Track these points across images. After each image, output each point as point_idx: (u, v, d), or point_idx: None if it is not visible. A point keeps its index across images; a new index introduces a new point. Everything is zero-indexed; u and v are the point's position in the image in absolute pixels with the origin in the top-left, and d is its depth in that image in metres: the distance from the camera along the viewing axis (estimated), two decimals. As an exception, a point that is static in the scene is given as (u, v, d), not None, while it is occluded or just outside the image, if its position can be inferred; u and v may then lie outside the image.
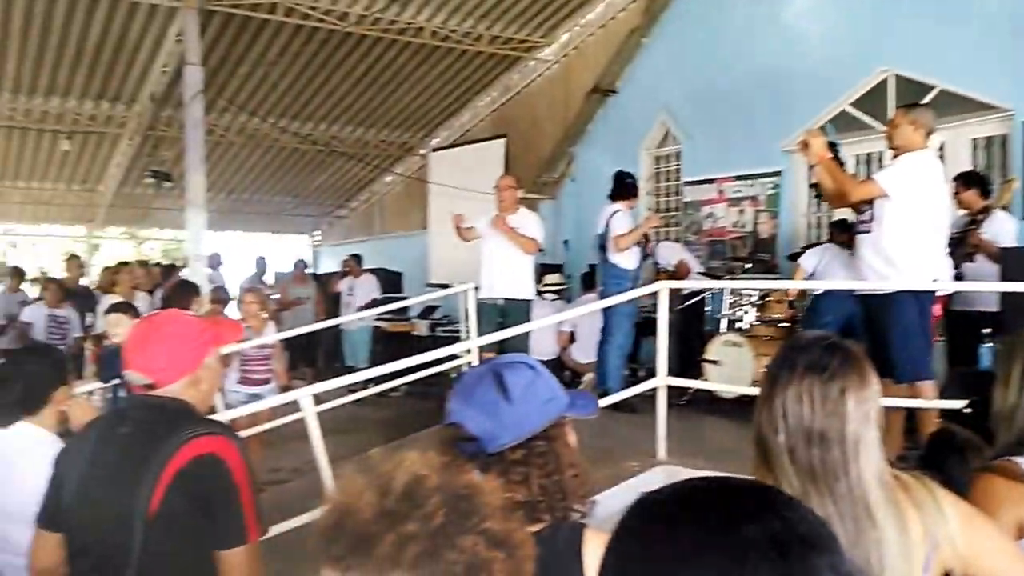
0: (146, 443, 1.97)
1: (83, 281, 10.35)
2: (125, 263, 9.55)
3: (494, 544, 0.84)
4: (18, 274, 10.56)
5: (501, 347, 6.24)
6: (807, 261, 6.52)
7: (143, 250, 23.68)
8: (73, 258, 10.32)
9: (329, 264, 15.71)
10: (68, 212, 15.82)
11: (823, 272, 6.32)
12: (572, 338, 8.02)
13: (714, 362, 6.49)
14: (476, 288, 6.59)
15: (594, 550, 1.42)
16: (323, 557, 0.82)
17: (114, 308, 5.37)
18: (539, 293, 8.31)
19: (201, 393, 2.16)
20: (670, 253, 7.89)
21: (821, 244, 6.93)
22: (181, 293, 6.00)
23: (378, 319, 10.06)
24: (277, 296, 11.28)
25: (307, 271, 12.37)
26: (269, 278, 12.32)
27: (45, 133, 11.91)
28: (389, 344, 10.23)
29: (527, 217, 6.67)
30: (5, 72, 10.18)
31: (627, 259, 6.64)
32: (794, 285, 6.58)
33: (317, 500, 0.94)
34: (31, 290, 10.38)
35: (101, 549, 1.98)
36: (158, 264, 12.26)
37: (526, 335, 6.10)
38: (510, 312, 6.43)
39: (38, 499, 2.28)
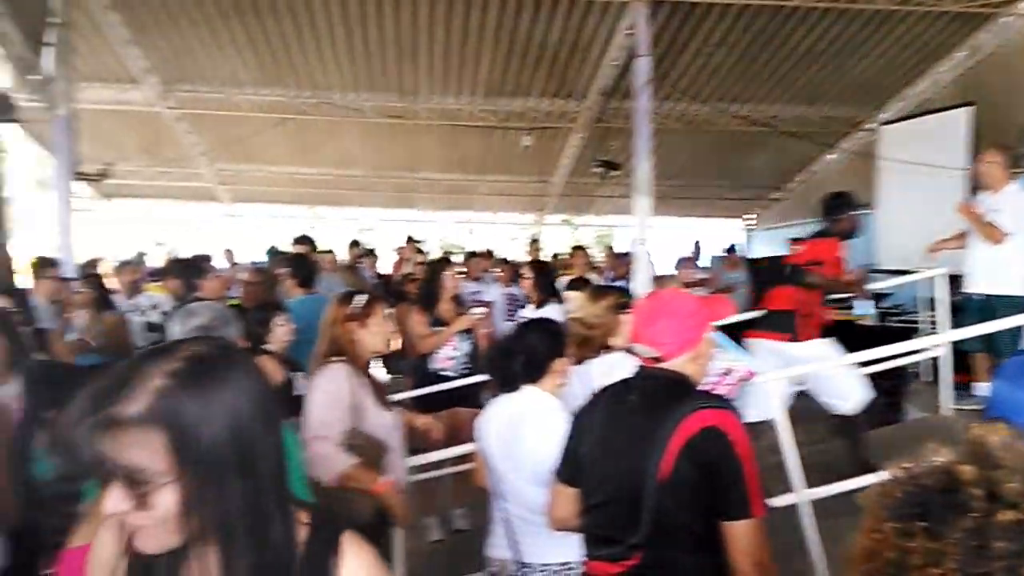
0: (654, 412, 2.08)
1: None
2: (580, 247, 10.36)
3: None
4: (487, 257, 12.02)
5: (988, 349, 5.50)
6: None
7: (577, 236, 25.50)
8: (535, 242, 11.43)
9: (762, 249, 15.38)
10: (523, 202, 17.63)
11: None
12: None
13: None
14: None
15: None
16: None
17: (572, 285, 5.83)
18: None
19: (699, 367, 2.24)
20: None
21: None
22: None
23: (820, 306, 9.57)
24: (707, 278, 11.34)
25: (739, 256, 12.21)
26: (704, 262, 12.41)
27: (509, 131, 13.36)
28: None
29: (1010, 197, 5.60)
30: (479, 78, 11.61)
31: None
32: None
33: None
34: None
35: (614, 507, 2.14)
36: (609, 248, 13.03)
37: (1016, 335, 5.26)
38: (996, 310, 5.45)
39: (544, 458, 2.56)
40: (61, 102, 8.77)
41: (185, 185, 16.18)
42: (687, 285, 8.69)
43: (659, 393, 2.15)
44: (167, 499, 1.03)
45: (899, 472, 0.87)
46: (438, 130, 13.44)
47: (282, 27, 10.15)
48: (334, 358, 3.11)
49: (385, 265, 10.98)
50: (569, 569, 2.68)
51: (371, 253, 10.41)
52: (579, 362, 3.32)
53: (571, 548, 2.63)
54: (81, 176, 9.88)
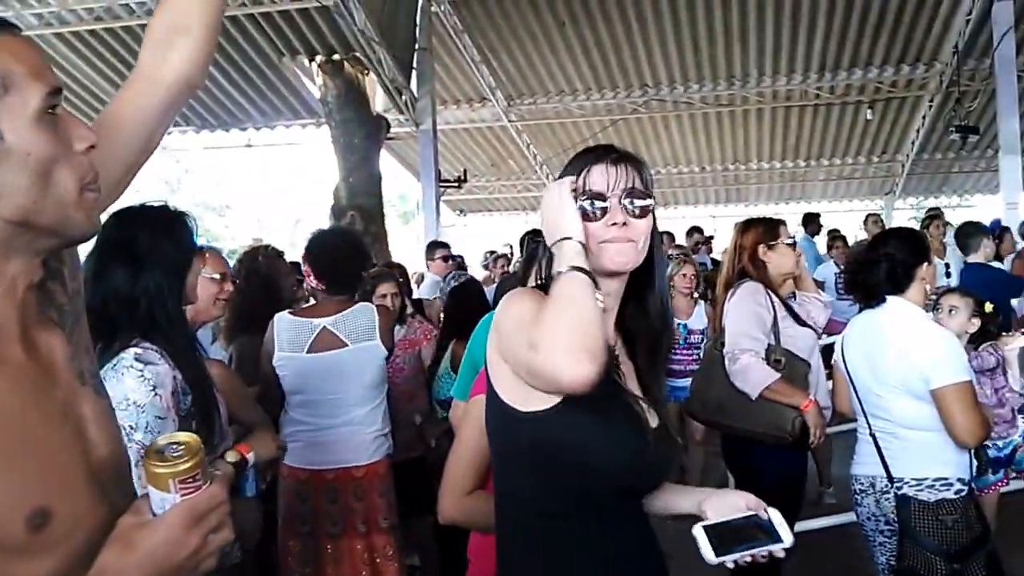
0: None
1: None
2: (936, 215, 9.53)
3: None
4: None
5: None
6: None
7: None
8: (872, 215, 10.71)
9: None
10: (866, 186, 16.48)
11: None
12: None
13: None
14: None
15: None
16: None
17: None
18: None
19: None
20: None
21: None
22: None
23: None
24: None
25: None
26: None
27: (848, 106, 12.60)
28: None
29: None
30: (813, 53, 11.09)
31: None
32: None
33: None
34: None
35: None
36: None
37: None
38: None
39: (913, 370, 2.50)
40: (425, 119, 9.94)
41: (527, 196, 17.39)
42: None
43: None
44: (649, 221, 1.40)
45: None
46: (769, 116, 13.11)
47: (613, 29, 10.57)
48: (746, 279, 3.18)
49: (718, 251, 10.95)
50: (947, 485, 2.53)
51: (708, 240, 10.48)
52: None
53: (948, 464, 2.55)
54: (444, 184, 11.08)
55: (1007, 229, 7.72)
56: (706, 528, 1.37)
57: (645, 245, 1.39)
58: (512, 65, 11.74)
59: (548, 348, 1.17)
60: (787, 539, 1.34)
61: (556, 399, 1.30)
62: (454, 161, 14.64)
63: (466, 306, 3.77)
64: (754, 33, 10.59)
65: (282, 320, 3.10)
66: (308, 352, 3.03)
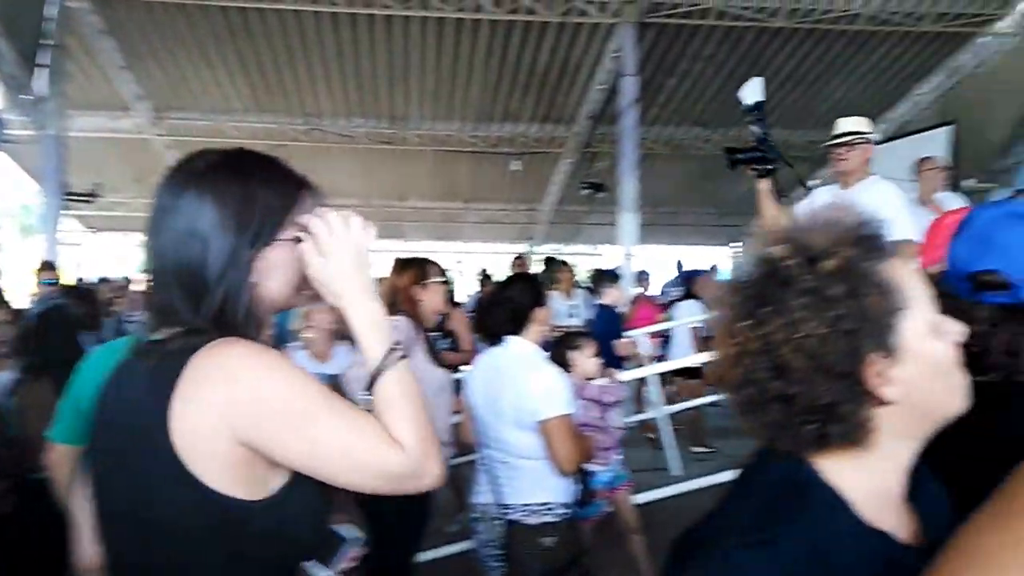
0: None
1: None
2: (564, 263, 10.45)
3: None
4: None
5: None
6: None
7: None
8: (519, 258, 11.53)
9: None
10: (512, 231, 17.74)
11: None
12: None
13: None
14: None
15: None
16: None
17: None
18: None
19: None
20: None
21: None
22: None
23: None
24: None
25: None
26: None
27: (498, 157, 13.50)
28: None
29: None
30: (469, 103, 11.76)
31: None
32: None
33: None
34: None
35: None
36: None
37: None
38: None
39: (525, 404, 2.67)
40: (51, 122, 8.83)
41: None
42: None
43: None
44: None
45: (728, 287, 0.94)
46: (428, 157, 13.58)
47: (275, 52, 10.29)
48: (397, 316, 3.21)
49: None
50: (549, 509, 2.73)
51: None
52: None
53: (551, 489, 2.73)
54: (71, 197, 9.89)
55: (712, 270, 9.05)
56: None
57: None
58: (162, 75, 10.91)
59: (419, 446, 1.15)
60: (350, 534, 1.30)
61: (284, 478, 1.12)
62: (88, 172, 13.16)
63: (51, 336, 3.15)
64: (416, 77, 10.95)
65: None
66: None
